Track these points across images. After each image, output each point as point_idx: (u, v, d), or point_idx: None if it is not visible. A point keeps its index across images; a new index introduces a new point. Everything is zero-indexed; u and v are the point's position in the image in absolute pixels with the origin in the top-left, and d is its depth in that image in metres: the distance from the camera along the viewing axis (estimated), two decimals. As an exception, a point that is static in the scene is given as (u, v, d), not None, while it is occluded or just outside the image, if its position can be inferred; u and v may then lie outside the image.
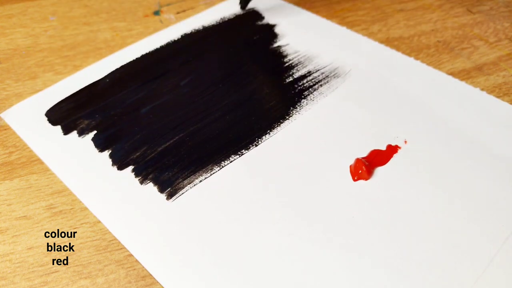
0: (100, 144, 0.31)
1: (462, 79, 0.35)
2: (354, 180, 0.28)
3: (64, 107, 0.34)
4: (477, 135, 0.31)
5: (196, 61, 0.37)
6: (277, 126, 0.32)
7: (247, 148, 0.30)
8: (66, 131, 0.32)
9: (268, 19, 0.42)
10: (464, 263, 0.24)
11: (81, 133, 0.32)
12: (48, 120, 0.33)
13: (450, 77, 0.35)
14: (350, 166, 0.29)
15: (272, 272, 0.24)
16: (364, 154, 0.30)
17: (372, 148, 0.30)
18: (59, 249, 0.26)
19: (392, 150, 0.30)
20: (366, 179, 0.28)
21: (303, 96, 0.34)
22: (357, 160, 0.29)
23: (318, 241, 0.25)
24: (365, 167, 0.28)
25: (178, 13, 0.43)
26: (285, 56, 0.37)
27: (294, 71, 0.36)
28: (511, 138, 0.30)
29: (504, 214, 0.26)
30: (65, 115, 0.33)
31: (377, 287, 0.23)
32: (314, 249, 0.25)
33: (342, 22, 0.42)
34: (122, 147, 0.31)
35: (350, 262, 0.24)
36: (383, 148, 0.30)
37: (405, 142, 0.30)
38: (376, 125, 0.32)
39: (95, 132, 0.32)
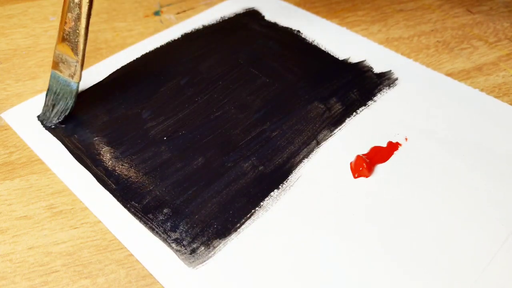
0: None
1: (461, 79, 0.35)
2: (355, 177, 0.28)
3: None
4: (476, 135, 0.31)
5: (196, 61, 0.37)
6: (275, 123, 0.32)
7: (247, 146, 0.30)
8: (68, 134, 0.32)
9: (268, 19, 0.42)
10: (464, 262, 0.24)
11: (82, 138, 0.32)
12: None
13: (449, 78, 0.35)
14: (351, 163, 0.29)
15: (272, 268, 0.24)
16: (365, 151, 0.30)
17: (373, 145, 0.30)
18: (59, 249, 0.26)
19: (393, 147, 0.30)
20: (367, 176, 0.28)
21: (303, 96, 0.34)
22: (358, 157, 0.29)
23: (317, 238, 0.25)
24: (365, 164, 0.28)
25: (178, 13, 0.43)
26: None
27: (294, 71, 0.36)
28: (510, 138, 0.30)
29: (504, 214, 0.26)
30: (65, 121, 0.33)
31: (376, 285, 0.23)
32: (313, 246, 0.25)
33: (342, 22, 0.42)
34: (124, 150, 0.31)
35: (349, 259, 0.24)
36: (384, 145, 0.30)
37: (406, 139, 0.30)
38: (377, 122, 0.32)
39: (96, 136, 0.31)
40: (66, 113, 0.31)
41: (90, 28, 0.41)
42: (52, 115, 0.31)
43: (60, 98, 0.31)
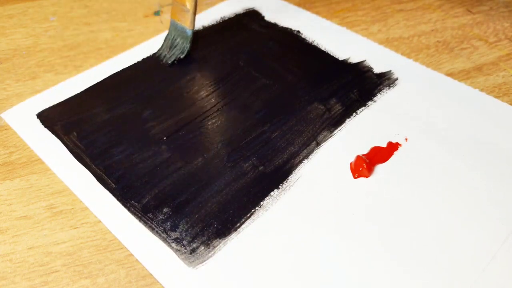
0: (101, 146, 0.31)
1: (461, 79, 0.35)
2: (355, 178, 0.28)
3: (63, 110, 0.34)
4: (477, 135, 0.31)
5: (196, 61, 0.37)
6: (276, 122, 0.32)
7: (247, 143, 0.30)
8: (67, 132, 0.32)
9: (268, 19, 0.42)
10: (464, 261, 0.24)
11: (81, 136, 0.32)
12: (45, 124, 0.32)
13: (449, 78, 0.35)
14: (351, 163, 0.29)
15: (272, 268, 0.24)
16: (365, 151, 0.30)
17: (373, 145, 0.30)
18: (59, 249, 0.26)
19: (392, 147, 0.30)
20: (367, 176, 0.28)
21: (303, 96, 0.34)
22: (358, 157, 0.29)
23: (317, 238, 0.25)
24: (365, 164, 0.28)
25: (178, 13, 0.43)
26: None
27: (294, 71, 0.36)
28: (510, 138, 0.30)
29: (504, 213, 0.26)
30: (65, 119, 0.33)
31: (376, 284, 0.23)
32: (313, 246, 0.25)
33: (342, 22, 0.42)
34: (124, 149, 0.31)
35: (349, 259, 0.24)
36: (384, 145, 0.30)
37: (406, 139, 0.30)
38: (377, 122, 0.32)
39: (96, 135, 0.31)
40: (182, 56, 0.37)
41: (90, 28, 0.42)
42: (169, 55, 0.37)
43: (177, 42, 0.37)
